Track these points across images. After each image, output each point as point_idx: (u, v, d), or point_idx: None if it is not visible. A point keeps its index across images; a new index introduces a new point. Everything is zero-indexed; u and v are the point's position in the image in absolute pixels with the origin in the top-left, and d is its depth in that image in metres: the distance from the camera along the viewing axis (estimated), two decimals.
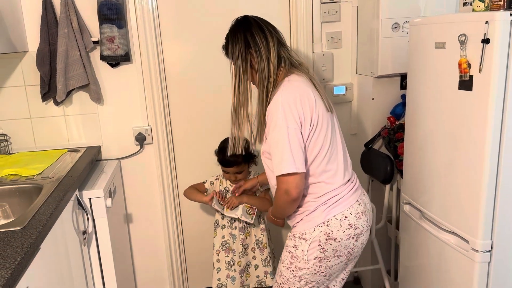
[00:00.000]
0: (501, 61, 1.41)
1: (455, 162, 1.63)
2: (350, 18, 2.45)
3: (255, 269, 2.17)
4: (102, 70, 2.28)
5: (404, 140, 2.03)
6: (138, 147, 2.42)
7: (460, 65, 1.53)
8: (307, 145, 1.53)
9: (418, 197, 1.91)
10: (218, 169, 2.22)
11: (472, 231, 1.57)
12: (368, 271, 2.57)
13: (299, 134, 1.50)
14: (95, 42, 2.20)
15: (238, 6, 2.37)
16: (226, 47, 1.69)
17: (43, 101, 2.23)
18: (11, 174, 1.89)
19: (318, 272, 1.59)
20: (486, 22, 1.42)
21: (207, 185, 2.22)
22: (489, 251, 1.55)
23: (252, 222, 2.08)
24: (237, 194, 2.09)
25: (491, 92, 1.44)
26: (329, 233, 1.55)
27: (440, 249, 1.76)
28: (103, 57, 2.20)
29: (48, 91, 2.19)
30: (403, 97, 2.31)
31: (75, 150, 2.26)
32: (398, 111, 2.31)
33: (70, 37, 2.11)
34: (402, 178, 2.08)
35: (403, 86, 2.32)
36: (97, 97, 2.26)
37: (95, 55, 2.25)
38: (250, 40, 1.59)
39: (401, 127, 2.16)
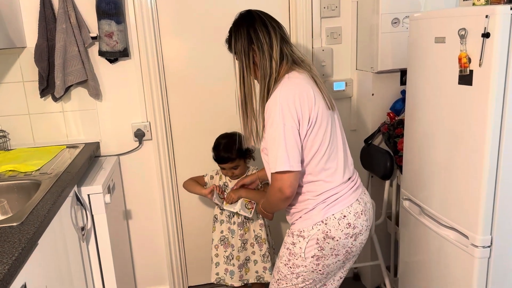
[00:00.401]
0: (501, 55, 1.40)
1: (455, 157, 1.62)
2: (350, 13, 2.44)
3: (254, 265, 2.17)
4: (100, 66, 2.27)
5: (404, 135, 2.03)
6: (137, 143, 2.41)
7: (460, 59, 1.52)
8: (305, 143, 1.52)
9: (418, 193, 1.90)
10: (216, 166, 2.21)
11: (471, 226, 1.57)
12: (368, 267, 2.56)
13: (295, 132, 1.49)
14: (94, 38, 2.19)
15: (237, 0, 2.36)
16: (229, 41, 1.68)
17: (41, 97, 2.23)
18: (10, 170, 1.89)
19: (315, 270, 1.59)
20: (486, 16, 1.41)
21: (206, 179, 2.22)
22: (488, 246, 1.55)
23: (250, 216, 2.07)
24: (234, 188, 2.08)
25: (491, 87, 1.43)
26: (327, 232, 1.54)
27: (439, 244, 1.76)
28: (101, 53, 2.19)
29: (47, 87, 2.18)
30: (403, 92, 2.30)
31: (73, 146, 2.25)
32: (398, 107, 2.31)
33: (68, 32, 2.10)
34: (401, 174, 2.08)
35: (403, 82, 2.32)
36: (96, 93, 2.25)
37: (94, 50, 2.24)
38: (253, 35, 1.59)
39: (401, 123, 2.16)
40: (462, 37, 1.51)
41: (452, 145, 1.64)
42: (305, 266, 1.58)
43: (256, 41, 1.58)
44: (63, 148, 2.22)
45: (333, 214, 1.54)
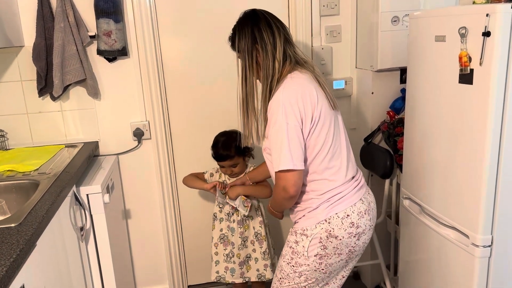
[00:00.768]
0: (502, 54, 1.39)
1: (455, 156, 1.62)
2: (350, 12, 2.43)
3: (255, 262, 2.17)
4: (99, 64, 2.26)
5: (403, 134, 2.02)
6: (136, 143, 2.41)
7: (460, 58, 1.52)
8: (308, 142, 1.53)
9: (418, 192, 1.90)
10: (216, 164, 2.20)
11: (472, 226, 1.56)
12: (368, 266, 2.56)
13: (299, 131, 1.49)
14: (92, 37, 2.18)
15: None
16: (232, 39, 1.67)
17: (39, 96, 2.21)
18: (8, 170, 1.88)
19: (318, 269, 1.59)
20: (487, 15, 1.40)
21: (206, 176, 2.21)
22: (489, 246, 1.54)
23: (246, 214, 2.07)
24: (227, 189, 2.09)
25: (491, 86, 1.42)
26: (330, 231, 1.54)
27: (440, 244, 1.75)
28: (100, 52, 2.18)
29: (45, 86, 2.17)
30: (403, 91, 2.29)
31: (72, 146, 2.24)
32: (398, 105, 2.30)
33: (66, 31, 2.09)
34: (401, 172, 2.07)
35: (403, 80, 2.31)
36: (94, 92, 2.24)
37: (92, 49, 2.23)
38: (257, 35, 1.58)
39: (401, 122, 2.15)
40: (463, 35, 1.50)
41: (452, 144, 1.63)
42: (308, 265, 1.58)
43: (260, 41, 1.58)
44: (61, 148, 2.21)
45: (336, 213, 1.54)
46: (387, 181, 2.29)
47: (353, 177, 1.62)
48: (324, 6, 2.39)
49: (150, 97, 2.34)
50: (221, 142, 2.10)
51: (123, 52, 2.20)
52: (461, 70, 1.53)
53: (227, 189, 2.09)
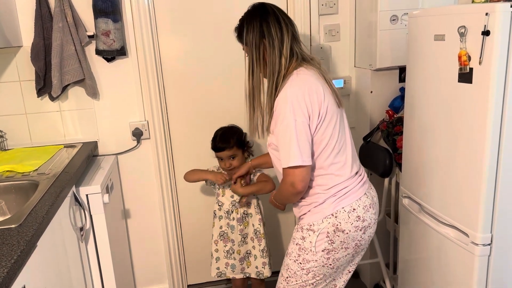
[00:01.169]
0: (501, 53, 1.40)
1: (455, 155, 1.62)
2: (348, 11, 2.43)
3: (255, 259, 2.17)
4: (97, 64, 2.26)
5: (403, 133, 2.02)
6: (135, 142, 2.40)
7: (459, 57, 1.52)
8: (315, 138, 1.53)
9: (418, 191, 1.90)
10: (216, 163, 2.20)
11: (471, 224, 1.57)
12: (367, 264, 2.57)
13: (306, 127, 1.50)
14: (90, 36, 2.17)
15: None
16: (239, 31, 1.66)
17: (38, 96, 2.21)
18: (7, 171, 1.88)
19: (326, 264, 1.59)
20: (486, 14, 1.40)
21: None
22: (489, 244, 1.55)
23: (239, 206, 2.09)
24: (233, 181, 2.05)
25: (491, 85, 1.42)
26: (337, 225, 1.55)
27: (439, 242, 1.75)
28: (98, 52, 2.17)
29: (43, 86, 2.17)
30: (402, 90, 2.29)
31: (71, 146, 2.24)
32: (397, 104, 2.30)
33: (65, 31, 2.08)
34: (401, 171, 2.07)
35: (402, 79, 2.31)
36: (93, 92, 2.24)
37: (91, 49, 2.22)
38: (265, 29, 1.57)
39: (400, 120, 2.15)
40: (462, 34, 1.50)
41: (451, 143, 1.63)
42: (316, 260, 1.59)
43: (267, 36, 1.57)
44: (60, 148, 2.21)
45: (343, 208, 1.56)
46: (386, 180, 2.29)
47: (357, 173, 1.64)
48: (323, 5, 2.39)
49: (149, 97, 2.34)
50: (221, 133, 2.10)
51: (121, 51, 2.20)
52: (460, 69, 1.53)
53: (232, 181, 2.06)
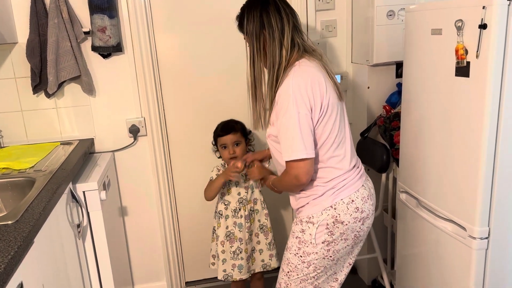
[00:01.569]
0: (498, 46, 1.39)
1: (452, 149, 1.62)
2: (345, 6, 2.43)
3: (260, 254, 2.16)
4: (93, 61, 2.25)
5: (400, 128, 2.02)
6: (132, 139, 2.39)
7: (457, 51, 1.52)
8: (316, 130, 1.53)
9: (415, 185, 1.90)
10: (213, 160, 2.20)
11: (469, 218, 1.57)
12: (365, 260, 2.57)
13: (309, 119, 1.49)
14: (86, 33, 2.16)
15: None
16: (240, 20, 1.64)
17: (34, 93, 2.20)
18: (3, 168, 1.86)
19: (326, 256, 1.59)
20: (483, 7, 1.40)
21: (214, 173, 2.13)
22: (486, 238, 1.55)
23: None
24: (248, 162, 1.99)
25: (488, 78, 1.42)
26: (336, 216, 1.55)
27: (437, 236, 1.76)
28: (94, 48, 2.16)
29: (39, 83, 2.16)
30: (399, 85, 2.29)
31: (67, 143, 2.23)
32: (394, 100, 2.30)
33: (60, 27, 2.07)
34: (398, 167, 2.08)
35: (399, 74, 2.31)
36: (89, 89, 2.23)
37: (87, 45, 2.21)
38: (265, 20, 1.56)
39: (397, 116, 2.15)
40: (459, 28, 1.50)
41: (449, 137, 1.64)
42: (316, 252, 1.59)
43: (268, 26, 1.56)
44: (57, 145, 2.20)
45: (341, 199, 1.56)
46: (384, 175, 2.30)
47: (354, 165, 1.64)
48: (319, 0, 2.38)
49: (145, 93, 2.33)
50: (224, 123, 2.09)
51: (117, 48, 2.19)
52: (457, 63, 1.53)
53: (245, 170, 2.01)
